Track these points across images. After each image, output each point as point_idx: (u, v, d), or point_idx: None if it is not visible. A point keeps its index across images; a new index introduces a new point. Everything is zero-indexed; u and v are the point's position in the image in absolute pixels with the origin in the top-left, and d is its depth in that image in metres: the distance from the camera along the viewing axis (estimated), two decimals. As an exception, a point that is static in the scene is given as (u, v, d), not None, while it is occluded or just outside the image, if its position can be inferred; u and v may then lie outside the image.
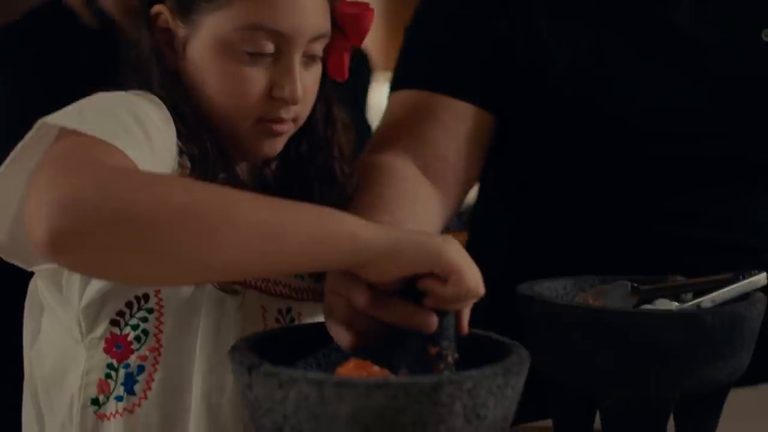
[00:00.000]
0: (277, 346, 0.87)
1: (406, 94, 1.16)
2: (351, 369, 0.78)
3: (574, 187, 1.15)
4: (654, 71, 1.10)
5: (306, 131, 1.03)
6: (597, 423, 1.01)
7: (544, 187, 1.17)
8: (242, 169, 1.02)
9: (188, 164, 0.93)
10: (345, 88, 1.05)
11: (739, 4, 1.08)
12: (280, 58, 0.95)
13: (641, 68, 1.10)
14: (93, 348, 0.92)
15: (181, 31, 0.96)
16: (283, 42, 0.94)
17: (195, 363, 0.92)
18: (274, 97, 0.95)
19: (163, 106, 0.92)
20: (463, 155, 1.13)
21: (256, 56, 0.94)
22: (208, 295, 0.92)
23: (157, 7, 0.96)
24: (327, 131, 1.05)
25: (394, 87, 1.18)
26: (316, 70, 0.99)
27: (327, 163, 1.04)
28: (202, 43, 0.95)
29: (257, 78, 0.95)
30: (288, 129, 0.98)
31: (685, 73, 1.09)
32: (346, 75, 1.03)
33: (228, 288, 0.92)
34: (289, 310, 0.99)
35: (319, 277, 1.02)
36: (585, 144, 1.12)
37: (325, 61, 1.01)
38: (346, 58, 1.02)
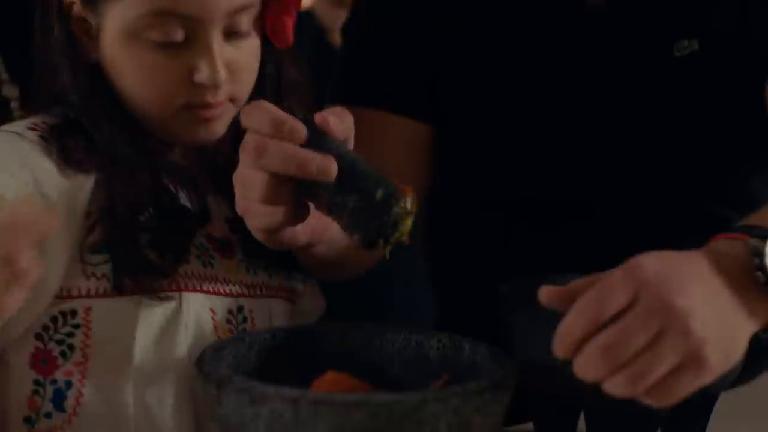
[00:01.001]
0: (247, 354, 0.82)
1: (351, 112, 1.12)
2: (328, 383, 0.74)
3: (533, 181, 1.11)
4: (569, 81, 1.06)
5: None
6: (580, 427, 0.98)
7: (509, 187, 1.13)
8: (192, 155, 0.96)
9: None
10: None
11: (653, 16, 1.05)
12: (195, 41, 0.88)
13: (555, 74, 1.06)
14: (19, 364, 0.86)
15: (92, 20, 0.89)
16: (193, 25, 0.87)
17: (130, 376, 0.86)
18: (196, 83, 0.89)
19: (28, 146, 0.87)
20: (410, 168, 1.09)
21: (166, 44, 0.87)
22: (145, 305, 0.87)
23: None
24: (277, 100, 0.96)
25: (332, 101, 1.13)
26: (249, 42, 0.92)
27: None
28: (110, 33, 0.88)
29: (172, 66, 0.88)
30: (222, 112, 0.91)
31: (600, 83, 1.06)
32: (290, 40, 0.95)
33: (157, 296, 0.87)
34: (240, 309, 0.93)
35: (273, 271, 0.97)
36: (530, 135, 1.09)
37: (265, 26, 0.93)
38: (288, 22, 0.94)
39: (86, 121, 0.90)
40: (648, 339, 0.70)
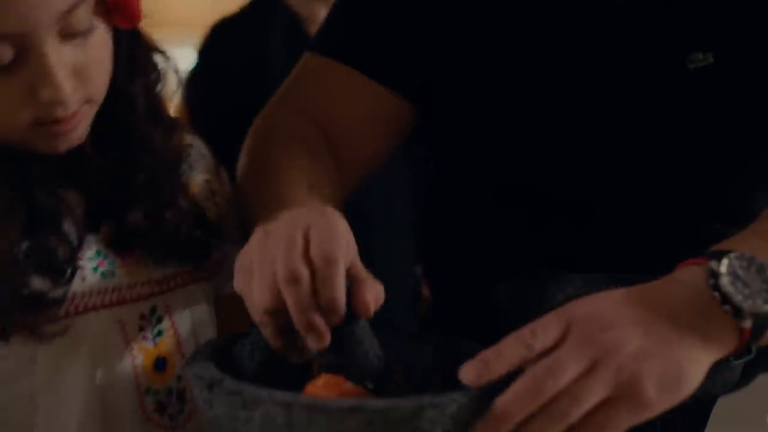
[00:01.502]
0: (240, 354, 0.81)
1: (325, 62, 1.08)
2: (322, 387, 0.72)
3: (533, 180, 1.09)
4: (581, 88, 1.05)
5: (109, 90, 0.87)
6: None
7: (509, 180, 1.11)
8: (69, 155, 0.86)
9: None
10: None
11: (667, 27, 1.03)
12: (29, 56, 0.78)
13: (570, 87, 1.04)
14: None
15: None
16: (21, 41, 0.77)
17: (36, 417, 0.82)
18: (40, 102, 0.79)
19: None
20: (371, 137, 1.07)
21: None
22: (42, 342, 0.81)
23: None
24: (131, 86, 0.89)
25: (315, 48, 1.10)
26: (94, 37, 0.82)
27: (135, 126, 0.89)
28: None
29: (8, 87, 0.78)
30: (78, 119, 0.82)
31: (609, 92, 1.04)
32: (138, 19, 0.85)
33: (50, 331, 0.81)
34: (153, 310, 0.88)
35: (184, 257, 0.91)
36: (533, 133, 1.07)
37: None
38: (133, 1, 0.84)
39: None
40: (579, 372, 0.69)
